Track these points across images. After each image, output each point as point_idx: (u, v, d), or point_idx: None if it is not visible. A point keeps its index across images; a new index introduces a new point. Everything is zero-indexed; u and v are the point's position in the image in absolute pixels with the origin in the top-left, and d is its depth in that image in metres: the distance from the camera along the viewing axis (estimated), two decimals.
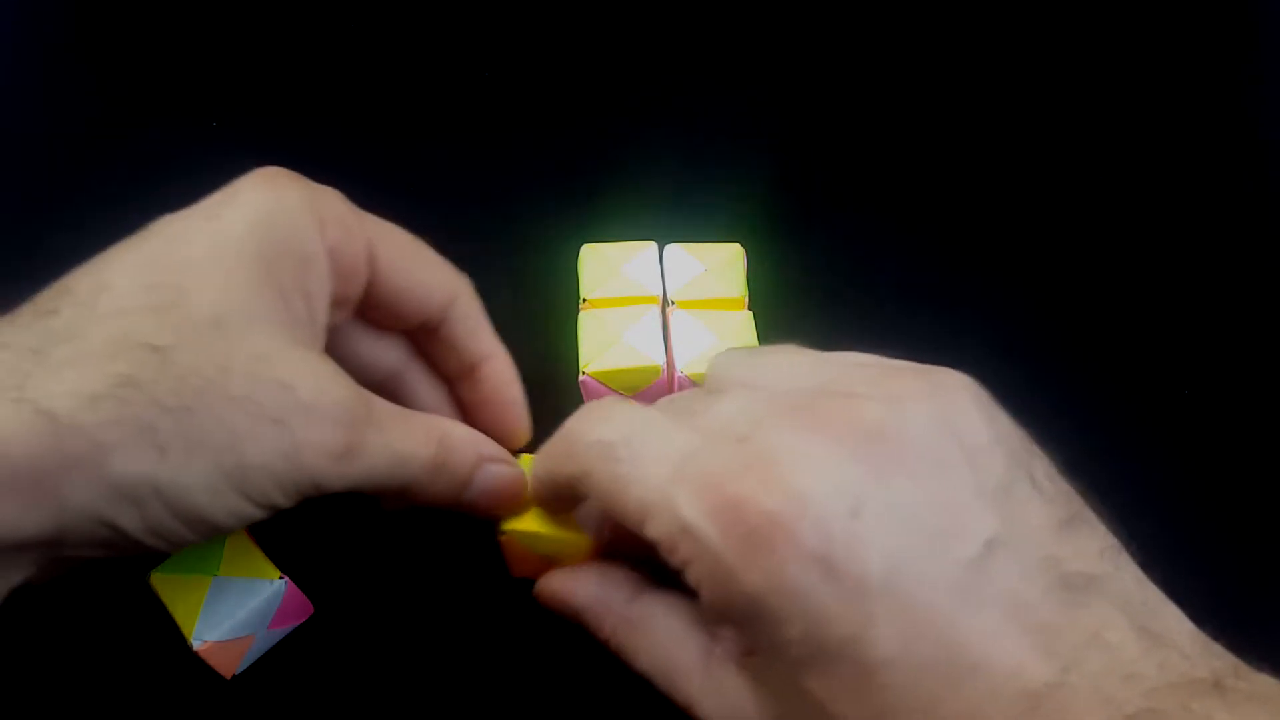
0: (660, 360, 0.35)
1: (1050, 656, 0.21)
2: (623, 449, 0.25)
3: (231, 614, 0.30)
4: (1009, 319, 0.41)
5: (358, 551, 0.34)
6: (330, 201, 0.29)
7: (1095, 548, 0.23)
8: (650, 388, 0.35)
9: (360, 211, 0.29)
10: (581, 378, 0.35)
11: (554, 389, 0.38)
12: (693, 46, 0.52)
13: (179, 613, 0.30)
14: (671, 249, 0.39)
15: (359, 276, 0.29)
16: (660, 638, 0.27)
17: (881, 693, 0.22)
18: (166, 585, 0.30)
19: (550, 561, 0.31)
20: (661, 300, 0.37)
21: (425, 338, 0.32)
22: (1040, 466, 0.24)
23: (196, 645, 0.29)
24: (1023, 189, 0.46)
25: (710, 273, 0.38)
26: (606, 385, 0.35)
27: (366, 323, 0.31)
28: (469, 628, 0.33)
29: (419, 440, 0.28)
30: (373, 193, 0.45)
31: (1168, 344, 0.41)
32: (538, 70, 0.50)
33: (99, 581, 0.33)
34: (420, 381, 0.33)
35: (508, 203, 0.45)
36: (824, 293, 0.42)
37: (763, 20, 0.53)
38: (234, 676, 0.31)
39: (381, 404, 0.27)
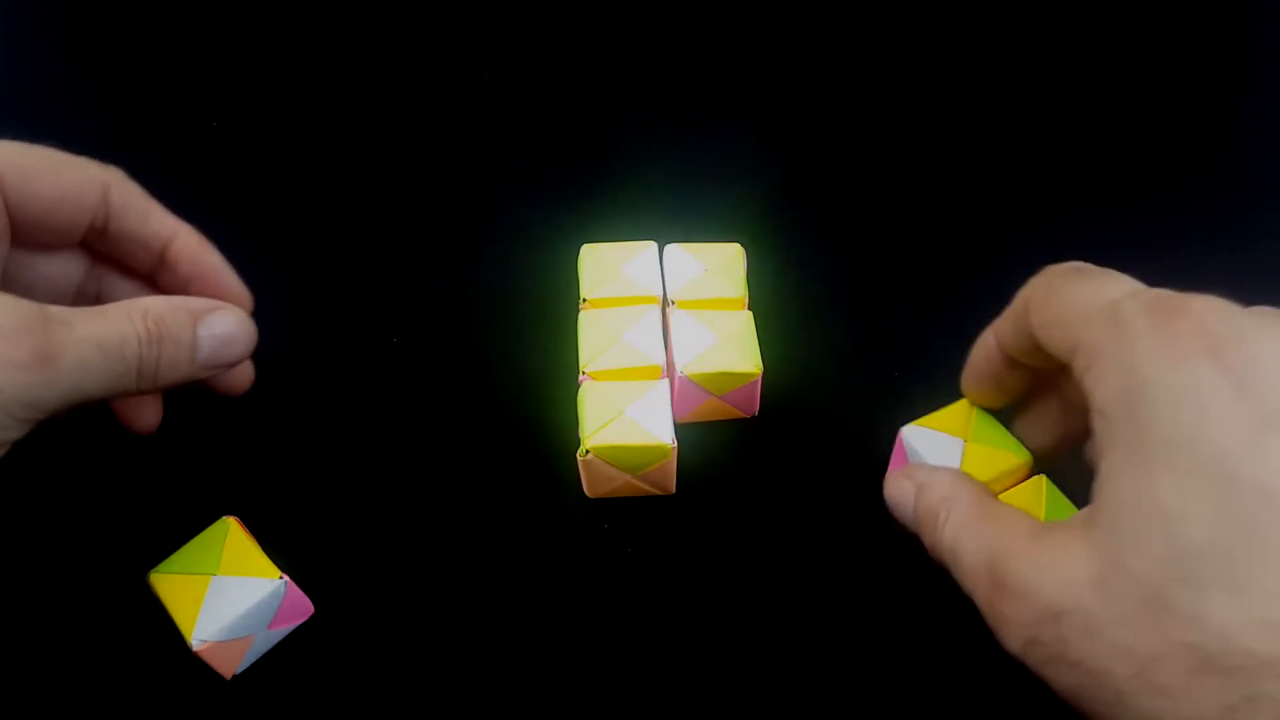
0: (660, 360, 0.35)
1: None
2: (1094, 272, 0.26)
3: (231, 614, 0.30)
4: None
5: (358, 551, 0.34)
6: None
7: None
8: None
9: None
10: (581, 377, 0.35)
11: (554, 389, 0.38)
12: (693, 47, 0.52)
13: (178, 613, 0.30)
14: (671, 249, 0.39)
15: None
16: (998, 514, 0.26)
17: (1245, 517, 0.20)
18: (166, 585, 0.30)
19: (631, 476, 0.34)
20: (661, 300, 0.37)
21: (102, 241, 0.31)
22: None
23: (196, 645, 0.29)
24: (1023, 188, 0.46)
25: (710, 273, 0.38)
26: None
27: (32, 247, 0.30)
28: (469, 628, 0.33)
29: (121, 323, 0.27)
30: (372, 192, 0.45)
31: None
32: (538, 70, 0.50)
33: (99, 581, 0.33)
34: (114, 286, 0.32)
35: (508, 203, 0.45)
36: (824, 293, 0.42)
37: (763, 21, 0.53)
38: (234, 676, 0.31)
39: (61, 308, 0.26)
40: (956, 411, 0.33)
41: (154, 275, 0.32)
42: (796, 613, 0.33)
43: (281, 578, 0.30)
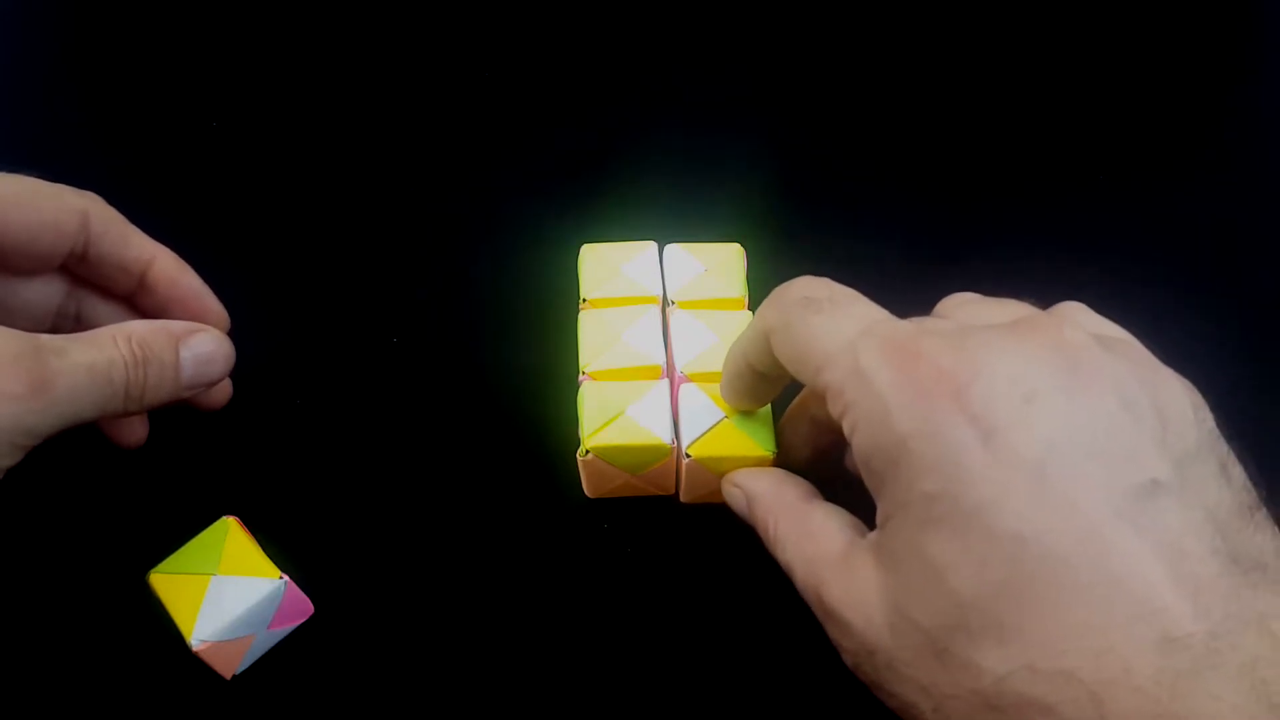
0: (660, 360, 0.35)
1: (1201, 615, 0.20)
2: (826, 304, 0.27)
3: (231, 614, 0.30)
4: None
5: (358, 551, 0.34)
6: None
7: (1272, 545, 0.22)
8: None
9: None
10: (581, 377, 0.35)
11: (554, 389, 0.38)
12: (693, 46, 0.52)
13: (178, 613, 0.30)
14: (671, 249, 0.39)
15: None
16: (813, 530, 0.27)
17: (1005, 567, 0.21)
18: (166, 585, 0.30)
19: (631, 476, 0.34)
20: (661, 300, 0.37)
21: (81, 266, 0.32)
22: (1236, 468, 0.23)
23: (196, 645, 0.29)
24: (1024, 188, 0.46)
25: (710, 273, 0.38)
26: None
27: (11, 273, 0.31)
28: (469, 628, 0.33)
29: (108, 347, 0.27)
30: (373, 193, 0.45)
31: (1168, 340, 0.41)
32: (538, 70, 0.50)
33: (99, 581, 0.33)
34: (93, 308, 0.33)
35: (508, 203, 0.45)
36: None
37: (763, 20, 0.53)
38: (234, 676, 0.31)
39: (50, 336, 0.27)
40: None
41: (133, 297, 0.33)
42: (796, 613, 0.33)
43: (281, 578, 0.30)
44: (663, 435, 0.33)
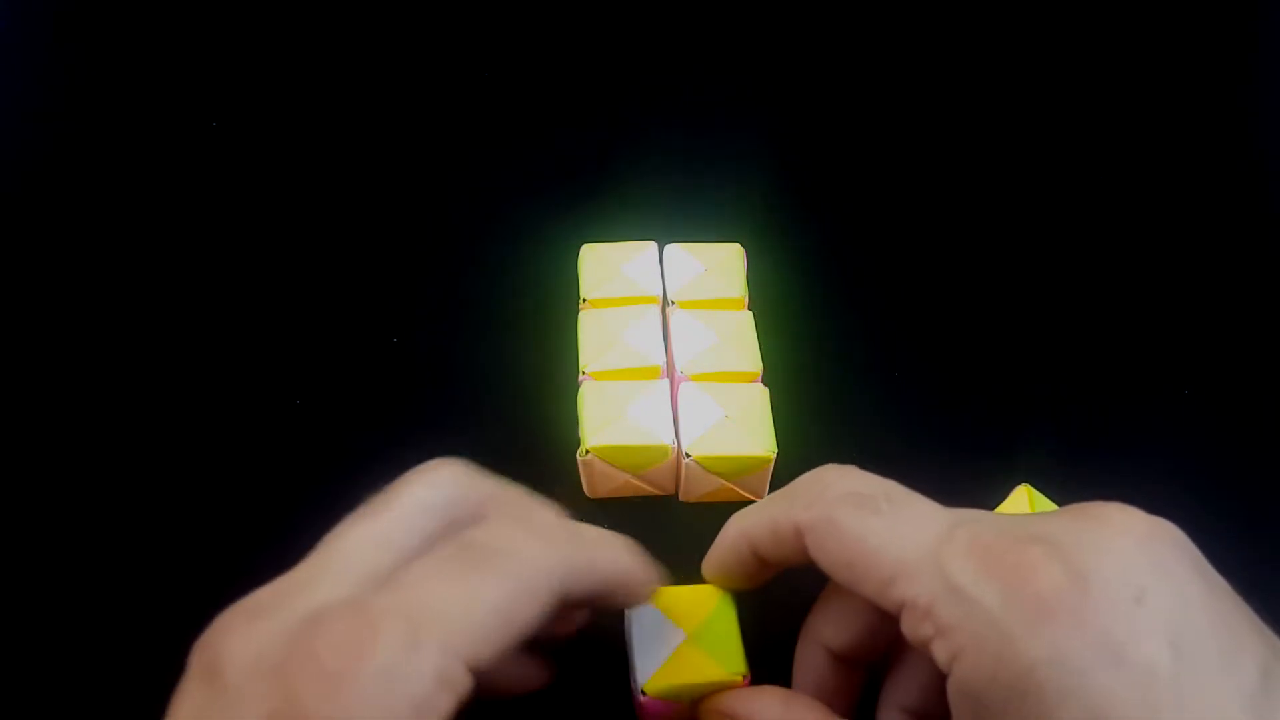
0: (660, 360, 0.35)
1: None
2: (883, 503, 0.24)
3: None
4: (1009, 317, 0.41)
5: None
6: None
7: None
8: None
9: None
10: (581, 377, 0.35)
11: (554, 389, 0.38)
12: (693, 46, 0.52)
13: None
14: (671, 249, 0.39)
15: None
16: None
17: None
18: None
19: (631, 476, 0.34)
20: (661, 300, 0.37)
21: None
22: None
23: None
24: (1022, 187, 0.46)
25: (710, 273, 0.38)
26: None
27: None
28: None
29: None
30: (373, 193, 0.45)
31: (1167, 344, 0.41)
32: (537, 70, 0.50)
33: (99, 581, 0.33)
34: None
35: (508, 203, 0.45)
36: (824, 293, 0.42)
37: (763, 20, 0.53)
38: None
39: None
40: (697, 595, 0.29)
41: None
42: (797, 613, 0.33)
43: None
44: (663, 435, 0.33)
